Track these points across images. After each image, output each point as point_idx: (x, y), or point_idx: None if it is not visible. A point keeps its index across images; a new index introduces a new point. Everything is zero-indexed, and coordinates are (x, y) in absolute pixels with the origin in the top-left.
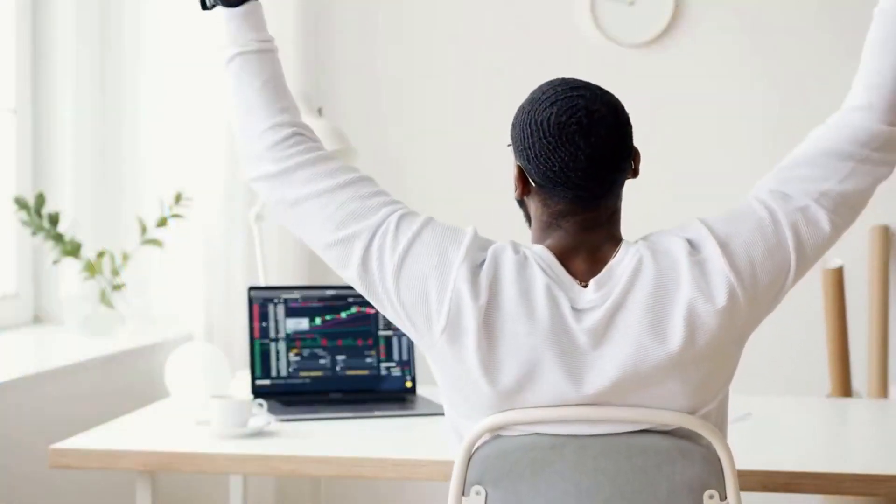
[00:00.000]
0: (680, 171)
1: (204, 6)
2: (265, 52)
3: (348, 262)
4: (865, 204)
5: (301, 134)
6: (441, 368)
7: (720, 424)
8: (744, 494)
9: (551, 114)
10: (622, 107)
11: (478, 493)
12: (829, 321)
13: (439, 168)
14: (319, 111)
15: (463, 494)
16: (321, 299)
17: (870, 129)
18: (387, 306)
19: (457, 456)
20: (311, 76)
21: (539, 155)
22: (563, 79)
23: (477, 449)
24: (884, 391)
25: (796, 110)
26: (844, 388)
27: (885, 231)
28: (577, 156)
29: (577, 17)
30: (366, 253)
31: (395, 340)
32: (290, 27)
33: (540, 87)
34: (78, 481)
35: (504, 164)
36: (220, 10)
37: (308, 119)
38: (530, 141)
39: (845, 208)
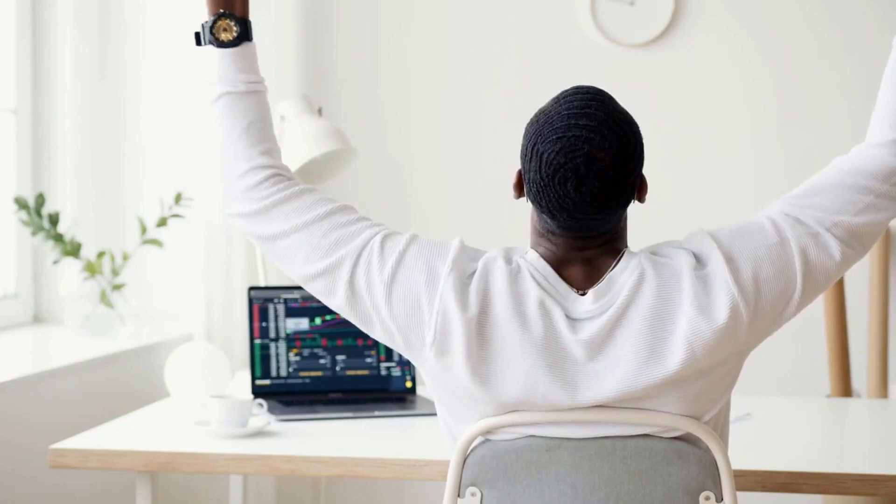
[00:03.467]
0: (680, 170)
1: (198, 42)
2: (253, 94)
3: (335, 288)
4: (877, 238)
5: (279, 174)
6: (436, 382)
7: (721, 431)
8: (744, 495)
9: (553, 151)
10: (634, 143)
11: (473, 495)
12: (828, 321)
13: (439, 168)
14: (319, 111)
15: (458, 496)
16: None
17: (891, 164)
18: (376, 327)
19: (451, 457)
20: (311, 76)
21: (532, 181)
22: (586, 101)
23: (472, 450)
24: (884, 391)
25: (797, 109)
26: (844, 388)
27: (886, 231)
28: (565, 201)
29: (577, 17)
30: (352, 276)
31: None
32: (290, 27)
33: (558, 102)
34: (78, 481)
35: (503, 165)
36: (211, 49)
37: (308, 119)
38: (529, 165)
39: (856, 240)
